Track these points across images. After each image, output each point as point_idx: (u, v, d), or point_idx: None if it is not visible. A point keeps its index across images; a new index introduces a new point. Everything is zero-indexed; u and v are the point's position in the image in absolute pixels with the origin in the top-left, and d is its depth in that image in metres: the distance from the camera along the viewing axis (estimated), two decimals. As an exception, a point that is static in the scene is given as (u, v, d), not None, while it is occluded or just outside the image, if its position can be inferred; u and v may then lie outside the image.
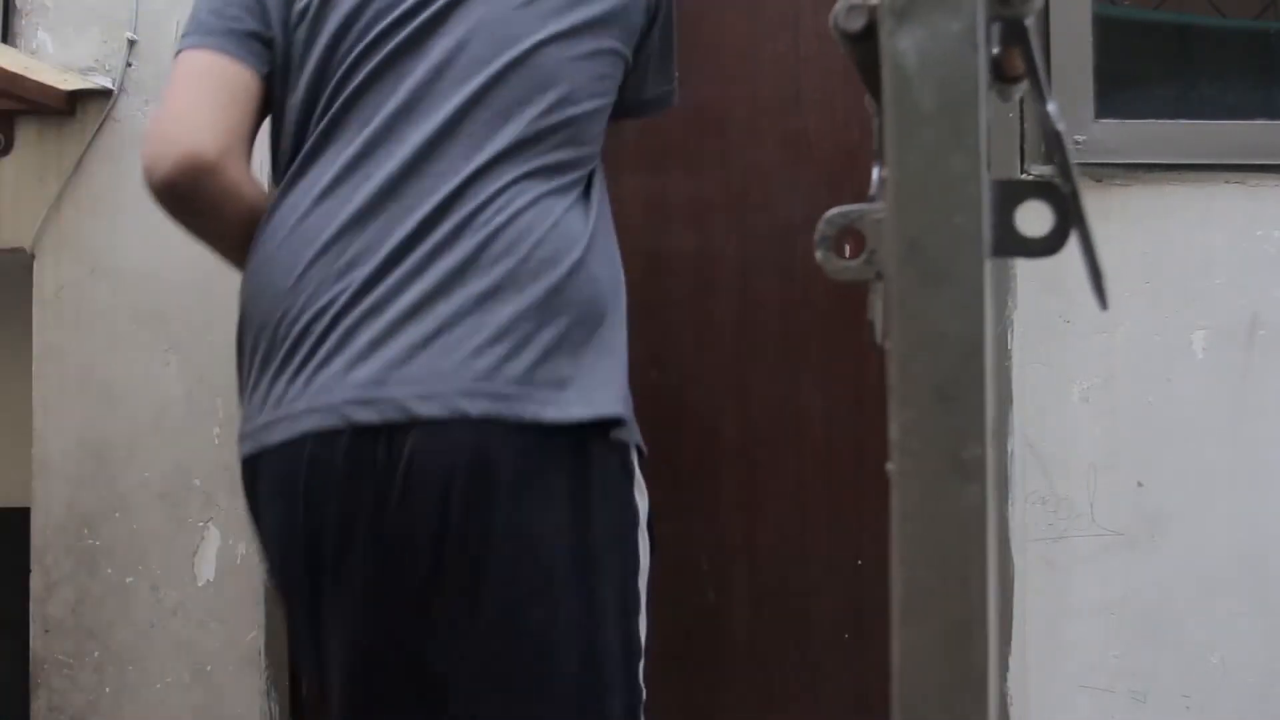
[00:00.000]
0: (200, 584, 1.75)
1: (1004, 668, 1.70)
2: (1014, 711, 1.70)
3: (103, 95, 1.77)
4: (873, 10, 0.46)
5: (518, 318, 1.04)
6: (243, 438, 1.12)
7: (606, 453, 1.09)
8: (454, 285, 1.04)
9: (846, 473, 1.84)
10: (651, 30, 1.25)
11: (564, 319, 1.06)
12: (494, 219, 1.06)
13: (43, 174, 1.79)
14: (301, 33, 1.14)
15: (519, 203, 1.08)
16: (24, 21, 1.80)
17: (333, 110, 1.12)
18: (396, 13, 1.12)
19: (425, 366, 1.02)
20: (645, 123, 1.52)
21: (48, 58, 1.77)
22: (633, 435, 1.13)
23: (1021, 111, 1.69)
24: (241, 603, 1.74)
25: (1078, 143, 1.71)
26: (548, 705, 1.07)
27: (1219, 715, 1.70)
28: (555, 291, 1.06)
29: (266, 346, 1.09)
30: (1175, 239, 1.73)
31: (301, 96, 1.14)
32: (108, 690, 1.75)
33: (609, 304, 1.12)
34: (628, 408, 1.12)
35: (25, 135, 1.79)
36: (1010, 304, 1.72)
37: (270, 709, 1.73)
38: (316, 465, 1.04)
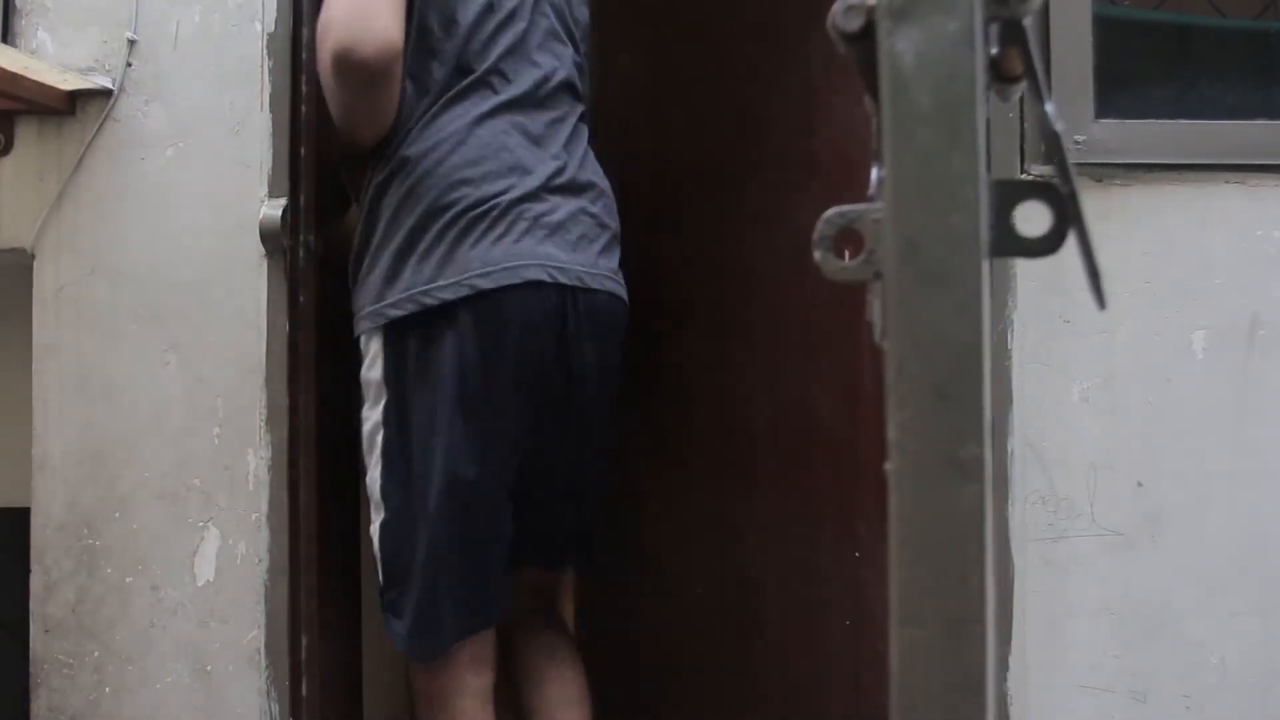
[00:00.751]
0: (200, 584, 1.75)
1: (1004, 668, 1.70)
2: (1014, 711, 1.70)
3: (103, 95, 1.77)
4: (870, 10, 0.46)
5: (610, 240, 1.58)
6: (460, 284, 1.46)
7: None
8: (590, 209, 1.56)
9: (845, 465, 1.85)
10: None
11: (618, 247, 1.61)
12: (595, 169, 1.60)
13: (43, 174, 1.79)
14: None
15: (594, 164, 1.60)
16: (24, 21, 1.80)
17: (487, 63, 1.52)
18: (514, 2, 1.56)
19: (583, 255, 1.53)
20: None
21: (48, 57, 1.77)
22: None
23: (1021, 111, 1.69)
24: (241, 602, 1.74)
25: (1078, 143, 1.71)
26: (603, 458, 1.66)
27: (1219, 715, 1.70)
28: (617, 229, 1.61)
29: (468, 221, 1.46)
30: (1175, 239, 1.73)
31: (458, 45, 1.52)
32: (108, 690, 1.75)
33: None
34: None
35: (25, 135, 1.80)
36: (1010, 304, 1.72)
37: (270, 709, 1.73)
38: (533, 305, 1.48)
